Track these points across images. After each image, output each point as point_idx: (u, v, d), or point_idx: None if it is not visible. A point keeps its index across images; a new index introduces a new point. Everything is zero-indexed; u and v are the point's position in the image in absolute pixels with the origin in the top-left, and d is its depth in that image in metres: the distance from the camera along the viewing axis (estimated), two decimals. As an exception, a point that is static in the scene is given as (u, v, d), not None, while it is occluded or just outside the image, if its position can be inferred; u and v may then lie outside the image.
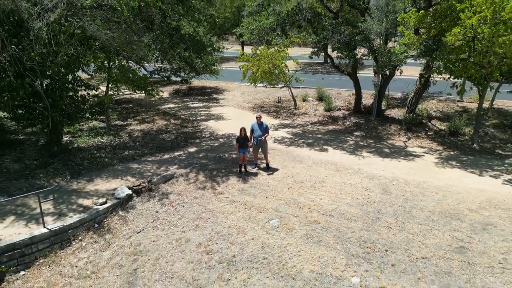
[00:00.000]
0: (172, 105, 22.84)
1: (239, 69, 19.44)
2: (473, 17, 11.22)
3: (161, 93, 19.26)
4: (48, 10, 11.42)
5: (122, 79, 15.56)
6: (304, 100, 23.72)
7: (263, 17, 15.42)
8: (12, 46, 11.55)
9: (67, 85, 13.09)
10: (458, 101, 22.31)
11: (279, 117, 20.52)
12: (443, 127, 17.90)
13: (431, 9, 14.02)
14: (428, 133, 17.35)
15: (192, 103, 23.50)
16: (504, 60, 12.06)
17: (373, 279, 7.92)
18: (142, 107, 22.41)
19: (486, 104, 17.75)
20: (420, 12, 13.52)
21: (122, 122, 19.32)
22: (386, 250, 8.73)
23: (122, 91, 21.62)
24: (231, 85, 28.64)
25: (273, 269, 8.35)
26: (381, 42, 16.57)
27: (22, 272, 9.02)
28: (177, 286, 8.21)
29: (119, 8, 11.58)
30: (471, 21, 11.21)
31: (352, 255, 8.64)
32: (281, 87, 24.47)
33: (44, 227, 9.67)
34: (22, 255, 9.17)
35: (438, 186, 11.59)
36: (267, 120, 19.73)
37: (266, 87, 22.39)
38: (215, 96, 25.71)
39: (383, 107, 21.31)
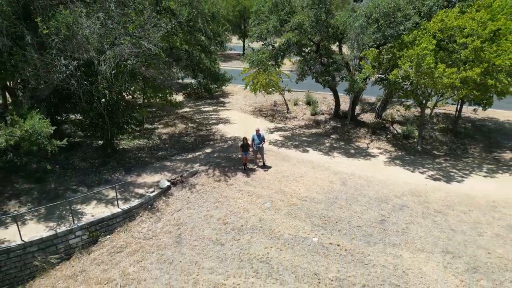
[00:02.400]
0: (187, 109, 27.64)
1: (241, 73, 24.15)
2: (406, 63, 15.96)
3: (177, 97, 24.01)
4: (109, 58, 16.15)
5: (154, 96, 20.43)
6: (295, 104, 28.48)
7: (261, 52, 20.03)
8: (85, 82, 16.37)
9: (120, 107, 17.96)
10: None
11: (274, 121, 25.40)
12: (400, 131, 22.80)
13: (385, 47, 18.69)
14: (388, 136, 22.28)
15: (203, 107, 28.29)
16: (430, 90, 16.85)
17: (325, 238, 13.03)
18: (163, 111, 27.21)
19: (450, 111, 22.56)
20: (376, 51, 18.24)
21: (150, 126, 24.18)
22: (336, 222, 13.82)
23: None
24: (234, 88, 33.29)
25: (266, 233, 13.46)
26: (352, 70, 21.21)
27: (108, 236, 14.14)
28: (207, 243, 13.32)
29: (157, 52, 16.22)
30: (404, 66, 15.96)
31: (315, 225, 13.74)
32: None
33: (118, 207, 14.75)
34: (107, 225, 14.29)
35: (380, 180, 16.62)
36: (264, 123, 24.68)
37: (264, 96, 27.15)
38: (222, 99, 30.43)
39: (358, 111, 26.13)
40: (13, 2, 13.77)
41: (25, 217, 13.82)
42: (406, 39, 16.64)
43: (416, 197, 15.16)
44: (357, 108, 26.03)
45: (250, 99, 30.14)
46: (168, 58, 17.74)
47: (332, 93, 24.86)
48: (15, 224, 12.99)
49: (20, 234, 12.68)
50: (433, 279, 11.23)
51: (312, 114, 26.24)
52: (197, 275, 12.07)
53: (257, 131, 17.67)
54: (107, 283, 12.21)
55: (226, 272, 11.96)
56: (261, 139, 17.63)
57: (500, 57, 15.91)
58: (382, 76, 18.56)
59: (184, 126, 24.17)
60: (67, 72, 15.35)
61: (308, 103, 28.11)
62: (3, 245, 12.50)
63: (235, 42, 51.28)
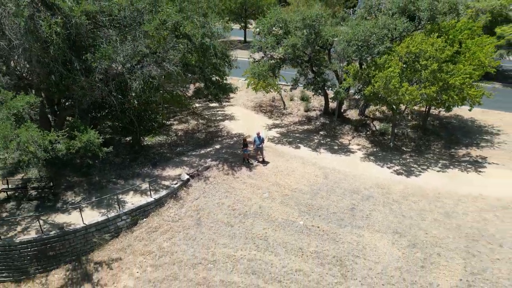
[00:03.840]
0: (197, 105, 31.41)
1: (247, 83, 27.76)
2: (378, 82, 19.73)
3: (187, 93, 27.82)
4: (138, 77, 19.85)
5: (173, 102, 24.29)
6: (291, 100, 32.20)
7: (261, 64, 23.57)
8: (119, 96, 20.18)
9: (146, 114, 21.88)
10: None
11: (272, 117, 29.27)
12: (378, 127, 26.71)
13: (363, 67, 22.31)
14: (367, 133, 26.25)
15: (211, 103, 32.03)
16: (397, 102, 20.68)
17: (309, 222, 17.34)
18: (176, 107, 31.00)
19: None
20: (357, 66, 21.94)
21: (166, 122, 28.07)
22: (317, 209, 18.10)
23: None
24: (237, 82, 36.84)
25: (265, 217, 17.77)
26: (339, 75, 24.85)
27: (145, 219, 18.46)
28: (220, 225, 17.64)
29: (177, 71, 19.88)
30: (377, 84, 19.74)
31: (301, 211, 18.03)
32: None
33: (151, 197, 18.99)
34: (144, 211, 18.58)
35: (354, 174, 20.78)
36: (264, 120, 28.55)
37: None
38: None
39: (345, 107, 29.90)
40: (66, 39, 17.37)
41: (82, 205, 18.06)
42: (378, 62, 20.30)
43: (381, 189, 19.38)
44: (344, 105, 29.77)
45: (251, 94, 33.71)
46: (184, 73, 21.49)
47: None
48: (75, 211, 17.34)
49: (82, 219, 16.99)
50: (383, 252, 15.61)
51: (305, 110, 30.04)
52: (214, 248, 16.47)
53: (258, 134, 21.64)
54: (148, 254, 16.65)
55: (235, 247, 16.36)
56: (261, 140, 21.64)
57: (453, 77, 19.67)
58: (361, 87, 22.37)
59: (196, 122, 28.09)
60: (107, 90, 19.22)
61: (303, 98, 31.81)
62: (70, 227, 16.85)
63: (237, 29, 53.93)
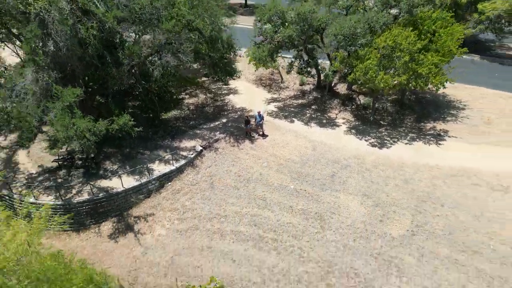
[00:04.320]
0: (204, 79, 35.12)
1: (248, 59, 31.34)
2: (358, 71, 23.57)
3: (194, 66, 31.67)
4: (158, 66, 23.63)
5: (186, 82, 28.21)
6: (288, 73, 35.77)
7: (261, 49, 26.99)
8: (143, 82, 24.17)
9: (165, 96, 25.97)
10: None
11: (271, 91, 33.17)
12: (362, 101, 30.73)
13: (349, 56, 25.87)
14: (352, 107, 30.35)
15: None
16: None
17: (298, 186, 22.20)
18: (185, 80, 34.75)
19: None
20: (343, 54, 25.58)
21: (179, 96, 32.06)
22: (305, 176, 22.89)
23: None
24: (240, 54, 40.04)
25: (263, 182, 22.61)
26: (330, 57, 28.40)
27: (169, 183, 23.33)
28: (229, 188, 22.52)
29: (190, 60, 23.72)
30: (357, 73, 23.60)
31: (293, 177, 22.83)
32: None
33: (173, 166, 23.71)
34: (168, 177, 23.40)
35: (337, 147, 25.31)
36: (263, 94, 32.49)
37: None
38: (230, 67, 37.59)
39: (335, 81, 33.67)
40: (100, 39, 21.01)
41: (120, 173, 22.83)
42: (360, 53, 23.98)
43: (357, 160, 24.03)
44: (335, 79, 33.50)
45: (253, 67, 37.31)
46: (195, 60, 25.33)
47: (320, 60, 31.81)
48: (115, 177, 22.17)
49: (122, 184, 21.86)
50: (353, 210, 20.61)
51: (300, 84, 33.85)
52: (225, 206, 21.49)
53: (258, 112, 25.87)
54: (174, 210, 21.71)
55: (241, 205, 21.37)
56: (261, 117, 25.90)
57: (421, 67, 23.50)
58: (346, 72, 26.17)
59: (204, 96, 32.10)
60: (134, 79, 23.23)
61: (299, 72, 35.37)
62: (113, 190, 21.75)
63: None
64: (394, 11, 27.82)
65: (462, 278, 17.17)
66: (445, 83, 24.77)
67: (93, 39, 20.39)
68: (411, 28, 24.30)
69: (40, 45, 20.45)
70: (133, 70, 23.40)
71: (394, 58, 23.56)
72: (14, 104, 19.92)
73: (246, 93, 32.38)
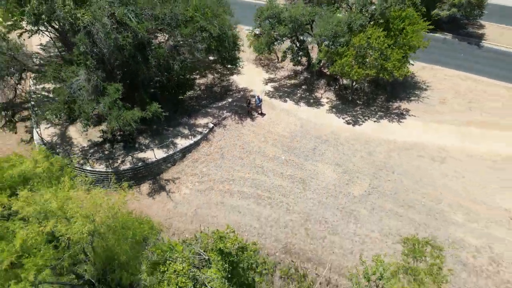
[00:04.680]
0: (211, 58, 40.64)
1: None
2: (337, 67, 29.56)
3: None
4: (178, 60, 29.52)
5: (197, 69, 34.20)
6: (282, 61, 41.17)
7: (259, 41, 32.48)
8: (165, 73, 30.25)
9: (184, 83, 32.17)
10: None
11: (268, 71, 38.99)
12: (345, 82, 36.76)
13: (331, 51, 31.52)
14: (336, 87, 36.49)
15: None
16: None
17: (288, 157, 29.30)
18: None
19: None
20: (326, 49, 31.32)
21: (191, 77, 37.92)
22: (294, 149, 29.91)
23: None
24: (241, 31, 45.03)
25: (262, 154, 29.69)
26: (319, 47, 34.00)
27: (189, 154, 30.41)
28: (235, 158, 29.64)
29: (203, 56, 29.68)
30: (336, 68, 29.62)
31: (283, 150, 29.85)
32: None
33: (192, 140, 30.62)
34: (188, 149, 30.40)
35: (321, 124, 31.97)
36: (262, 74, 38.41)
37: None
38: (233, 45, 42.90)
39: (324, 62, 39.33)
40: (133, 44, 26.76)
41: (152, 146, 29.77)
42: (339, 51, 29.77)
43: (334, 135, 30.88)
44: (323, 60, 39.15)
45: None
46: (206, 54, 31.21)
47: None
48: (149, 150, 29.20)
49: (154, 155, 28.96)
50: (327, 175, 27.89)
51: (294, 65, 39.55)
52: (233, 172, 28.75)
53: (258, 96, 32.22)
54: (195, 175, 29.02)
55: (245, 171, 28.63)
56: (260, 100, 32.30)
57: (387, 62, 29.46)
58: (329, 63, 32.14)
59: (212, 77, 38.08)
60: (159, 73, 29.36)
61: (292, 61, 40.82)
62: (148, 160, 28.88)
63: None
64: (372, 7, 32.95)
65: (398, 225, 24.84)
66: (405, 74, 30.84)
67: (128, 45, 26.27)
68: (382, 28, 29.84)
69: (88, 50, 26.41)
70: (158, 66, 29.38)
71: (367, 55, 29.45)
72: (74, 98, 26.39)
73: (247, 74, 38.26)
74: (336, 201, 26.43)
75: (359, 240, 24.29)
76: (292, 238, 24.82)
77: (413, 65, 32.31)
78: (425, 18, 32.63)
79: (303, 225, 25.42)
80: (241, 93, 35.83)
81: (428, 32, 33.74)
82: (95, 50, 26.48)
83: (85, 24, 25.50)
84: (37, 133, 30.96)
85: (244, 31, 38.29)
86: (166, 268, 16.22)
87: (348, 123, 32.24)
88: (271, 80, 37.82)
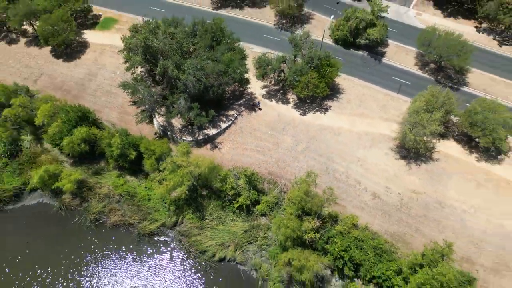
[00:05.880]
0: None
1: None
2: (297, 88, 63.49)
3: None
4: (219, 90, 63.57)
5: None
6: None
7: (259, 72, 65.37)
8: (214, 95, 64.69)
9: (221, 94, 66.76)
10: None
11: (263, 82, 72.46)
12: (303, 88, 70.34)
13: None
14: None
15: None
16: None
17: (271, 132, 65.34)
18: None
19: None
20: (290, 79, 64.78)
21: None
22: (273, 128, 65.70)
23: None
24: (247, 49, 76.79)
25: (260, 131, 65.73)
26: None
27: (227, 130, 66.53)
28: (248, 135, 65.74)
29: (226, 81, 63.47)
30: (295, 89, 63.50)
31: (269, 128, 65.74)
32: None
33: (227, 123, 66.32)
34: (226, 129, 66.34)
35: (287, 114, 66.83)
36: (260, 83, 72.29)
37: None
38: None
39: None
40: (204, 87, 60.77)
41: (209, 127, 65.59)
42: (295, 82, 63.41)
43: (292, 121, 66.00)
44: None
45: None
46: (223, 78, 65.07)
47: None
48: (210, 129, 65.39)
49: (211, 131, 65.22)
50: (288, 141, 64.28)
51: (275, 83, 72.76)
52: (246, 140, 65.22)
53: (258, 101, 66.89)
54: (230, 141, 65.71)
55: (252, 139, 65.16)
56: (259, 102, 67.03)
57: (318, 88, 63.54)
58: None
59: (233, 86, 71.80)
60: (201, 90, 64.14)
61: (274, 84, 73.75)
62: (210, 134, 65.18)
63: None
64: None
65: (315, 163, 61.82)
66: (325, 92, 64.97)
67: (201, 87, 60.51)
68: (317, 70, 63.16)
69: (183, 89, 60.85)
70: (212, 93, 63.39)
71: (307, 86, 63.42)
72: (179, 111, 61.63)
73: (252, 83, 71.68)
74: (291, 153, 63.13)
75: (298, 169, 61.50)
76: (271, 168, 62.12)
77: (340, 75, 66.19)
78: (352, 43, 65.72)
79: (276, 162, 62.49)
80: (249, 95, 70.19)
81: (353, 50, 67.10)
82: (187, 90, 60.79)
83: (183, 80, 59.61)
84: (156, 121, 66.51)
85: (249, 50, 71.10)
86: (225, 182, 54.07)
87: (300, 114, 67.34)
88: (265, 86, 71.75)
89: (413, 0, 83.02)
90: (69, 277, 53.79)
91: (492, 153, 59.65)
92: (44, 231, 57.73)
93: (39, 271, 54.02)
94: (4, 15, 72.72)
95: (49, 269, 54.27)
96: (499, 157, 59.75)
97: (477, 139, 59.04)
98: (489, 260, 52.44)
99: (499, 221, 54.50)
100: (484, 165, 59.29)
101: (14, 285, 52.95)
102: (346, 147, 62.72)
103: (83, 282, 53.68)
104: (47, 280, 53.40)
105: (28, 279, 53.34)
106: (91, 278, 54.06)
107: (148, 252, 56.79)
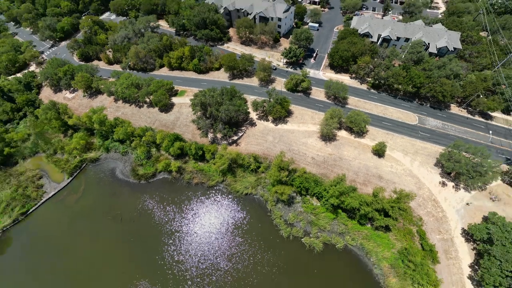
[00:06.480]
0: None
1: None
2: (271, 113, 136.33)
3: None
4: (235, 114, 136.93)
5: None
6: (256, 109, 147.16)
7: (254, 106, 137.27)
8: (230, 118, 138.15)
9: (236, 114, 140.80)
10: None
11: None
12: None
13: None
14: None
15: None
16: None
17: (266, 136, 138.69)
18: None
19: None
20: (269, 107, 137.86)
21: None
22: (267, 134, 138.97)
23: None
24: (248, 98, 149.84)
25: (265, 133, 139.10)
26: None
27: (243, 135, 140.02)
28: (256, 136, 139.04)
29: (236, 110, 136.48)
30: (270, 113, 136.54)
31: (264, 134, 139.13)
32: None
33: (242, 132, 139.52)
34: (242, 135, 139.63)
35: (270, 126, 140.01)
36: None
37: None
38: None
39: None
40: (217, 106, 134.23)
41: (233, 134, 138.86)
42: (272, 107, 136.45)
43: (273, 128, 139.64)
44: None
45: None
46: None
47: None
48: (233, 135, 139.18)
49: (233, 136, 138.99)
50: (270, 140, 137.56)
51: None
52: (255, 140, 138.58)
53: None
54: (246, 140, 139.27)
55: (260, 139, 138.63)
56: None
57: (281, 109, 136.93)
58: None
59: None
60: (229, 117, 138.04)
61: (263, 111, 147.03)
62: (234, 137, 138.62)
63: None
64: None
65: (283, 148, 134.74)
66: (283, 114, 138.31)
67: (226, 117, 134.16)
68: (279, 104, 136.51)
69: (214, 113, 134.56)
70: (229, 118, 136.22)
71: (277, 112, 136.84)
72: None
73: (251, 113, 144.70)
74: (272, 144, 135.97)
75: (276, 151, 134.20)
76: (264, 151, 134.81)
77: (291, 105, 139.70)
78: (295, 90, 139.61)
79: (266, 149, 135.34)
80: (250, 120, 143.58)
81: (296, 93, 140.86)
82: (221, 120, 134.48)
83: (220, 116, 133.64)
84: (209, 136, 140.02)
85: (248, 98, 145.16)
86: (244, 160, 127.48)
87: (275, 125, 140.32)
88: (257, 114, 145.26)
89: (321, 67, 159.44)
90: (183, 208, 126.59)
91: (360, 133, 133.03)
92: (166, 189, 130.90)
93: (167, 207, 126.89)
94: (137, 95, 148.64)
95: (173, 206, 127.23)
96: (363, 135, 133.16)
97: (353, 128, 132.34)
98: (361, 179, 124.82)
99: (364, 162, 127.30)
100: (358, 139, 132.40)
101: (155, 215, 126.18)
102: (297, 138, 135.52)
103: (186, 211, 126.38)
104: (171, 213, 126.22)
105: (162, 212, 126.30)
106: (189, 210, 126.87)
107: (211, 195, 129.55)
